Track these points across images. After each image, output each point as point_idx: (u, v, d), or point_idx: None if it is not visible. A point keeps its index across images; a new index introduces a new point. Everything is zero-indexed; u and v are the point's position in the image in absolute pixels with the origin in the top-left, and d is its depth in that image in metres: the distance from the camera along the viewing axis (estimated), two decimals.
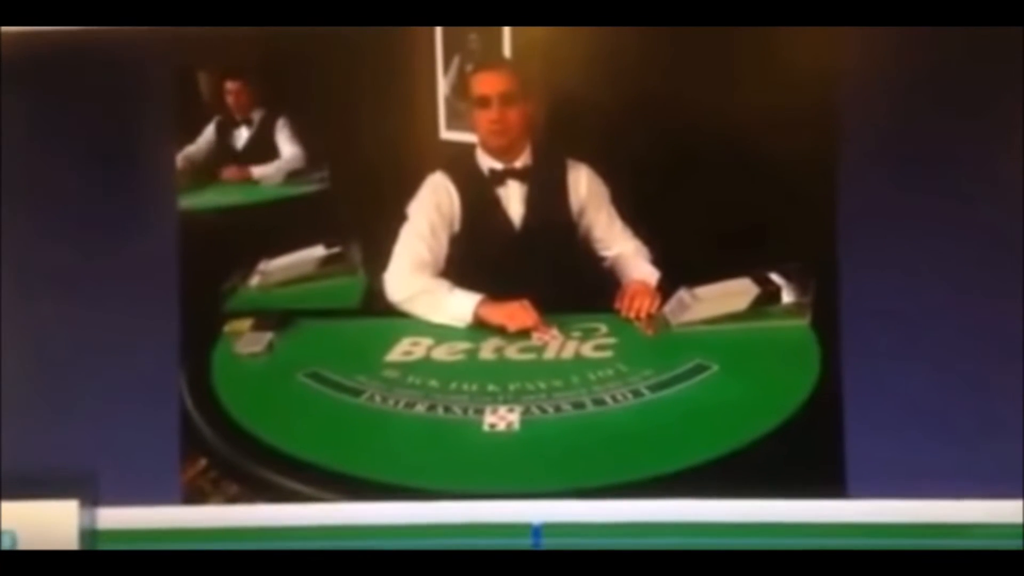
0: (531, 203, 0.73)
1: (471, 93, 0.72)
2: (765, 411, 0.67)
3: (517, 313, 0.71)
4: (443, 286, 0.72)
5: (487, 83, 0.72)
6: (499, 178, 0.74)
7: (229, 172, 0.73)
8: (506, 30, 0.70)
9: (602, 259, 0.74)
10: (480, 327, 0.71)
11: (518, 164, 0.74)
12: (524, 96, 0.72)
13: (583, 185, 0.73)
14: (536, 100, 0.72)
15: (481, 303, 0.71)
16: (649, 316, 0.71)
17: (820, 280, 0.68)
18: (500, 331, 0.71)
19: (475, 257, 0.73)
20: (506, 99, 0.72)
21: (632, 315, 0.72)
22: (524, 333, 0.71)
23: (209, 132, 0.72)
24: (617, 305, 0.72)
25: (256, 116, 0.73)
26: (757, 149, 0.68)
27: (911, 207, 0.67)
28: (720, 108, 0.69)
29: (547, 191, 0.73)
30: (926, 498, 0.66)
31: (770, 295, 0.70)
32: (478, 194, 0.73)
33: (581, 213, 0.73)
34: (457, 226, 0.73)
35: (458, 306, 0.72)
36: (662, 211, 0.71)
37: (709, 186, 0.70)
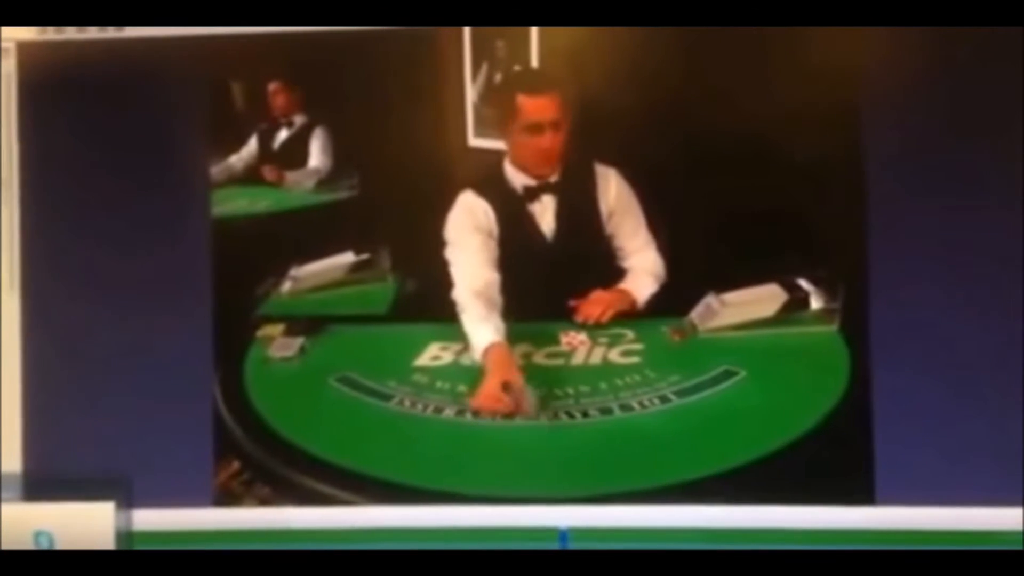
0: (563, 215, 0.73)
1: (518, 118, 0.71)
2: (793, 417, 0.67)
3: (493, 392, 0.69)
4: (476, 313, 0.70)
5: (540, 110, 0.71)
6: (533, 194, 0.73)
7: (262, 173, 0.74)
8: (534, 36, 0.70)
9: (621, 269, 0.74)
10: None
11: (552, 179, 0.74)
12: (567, 117, 0.71)
13: (612, 192, 0.73)
14: (574, 116, 0.71)
15: (489, 349, 0.70)
16: (599, 324, 0.72)
17: (849, 286, 0.68)
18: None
19: (507, 273, 0.72)
20: (556, 126, 0.71)
21: (581, 320, 0.72)
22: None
23: (242, 138, 0.73)
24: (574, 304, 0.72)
25: (287, 121, 0.74)
26: (787, 153, 0.68)
27: (942, 212, 0.66)
28: (749, 112, 0.69)
29: (579, 202, 0.73)
30: (956, 505, 0.65)
31: (798, 301, 0.70)
32: (512, 212, 0.73)
33: (609, 220, 0.74)
34: (496, 241, 0.73)
35: (476, 340, 0.70)
36: (689, 216, 0.71)
37: (737, 191, 0.69)
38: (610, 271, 0.74)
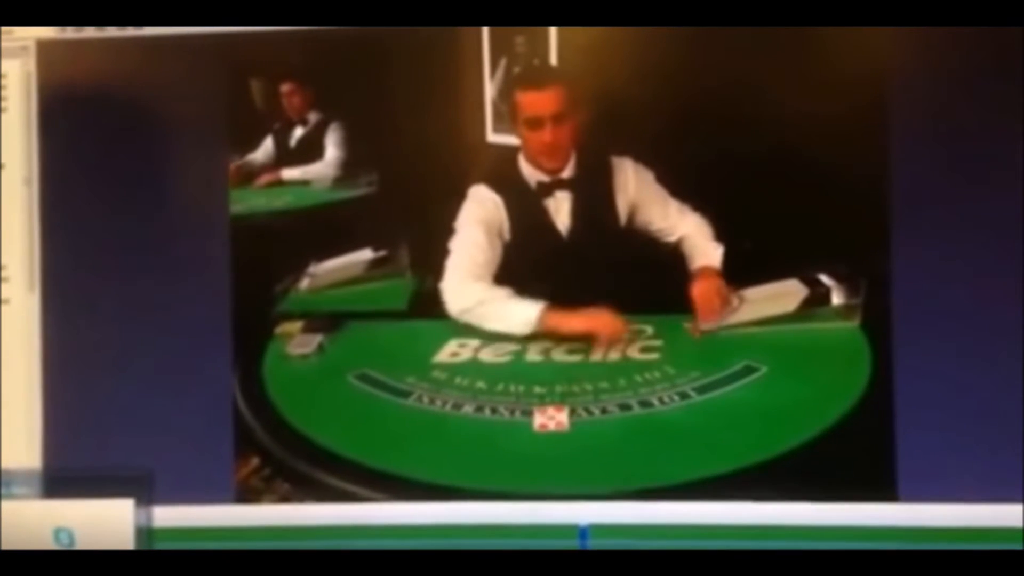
0: (578, 212, 0.73)
1: (518, 113, 0.71)
2: (815, 414, 0.67)
3: (600, 321, 0.70)
4: (503, 293, 0.71)
5: (537, 104, 0.71)
6: (547, 190, 0.73)
7: (275, 175, 0.74)
8: (552, 32, 0.70)
9: (667, 246, 0.72)
10: (543, 335, 0.70)
11: (565, 175, 0.73)
12: (574, 111, 0.71)
13: (631, 183, 0.72)
14: (584, 110, 0.71)
15: (546, 310, 0.70)
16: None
17: (871, 282, 0.67)
18: (568, 338, 0.70)
19: (523, 269, 0.72)
20: (558, 119, 0.71)
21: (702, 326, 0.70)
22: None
23: (262, 137, 0.73)
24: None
25: (307, 119, 0.74)
26: (808, 148, 0.68)
27: (965, 207, 0.66)
28: (769, 106, 0.68)
29: (595, 198, 0.73)
30: (979, 502, 0.65)
31: (820, 297, 0.69)
32: (525, 207, 0.73)
33: (634, 213, 0.73)
34: (507, 237, 0.73)
35: (522, 313, 0.70)
36: (708, 212, 0.71)
37: (757, 186, 0.69)
38: (627, 270, 0.73)
